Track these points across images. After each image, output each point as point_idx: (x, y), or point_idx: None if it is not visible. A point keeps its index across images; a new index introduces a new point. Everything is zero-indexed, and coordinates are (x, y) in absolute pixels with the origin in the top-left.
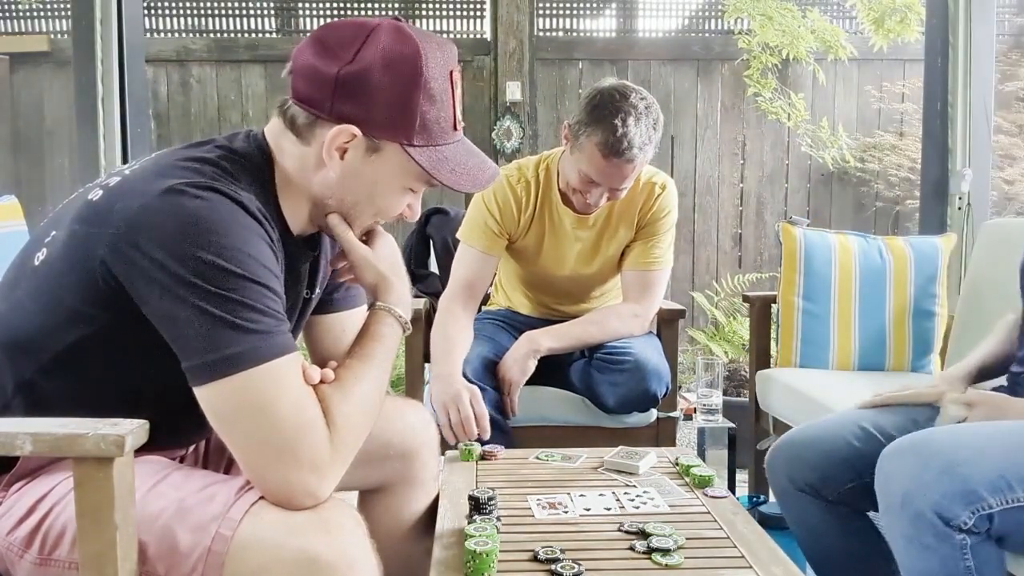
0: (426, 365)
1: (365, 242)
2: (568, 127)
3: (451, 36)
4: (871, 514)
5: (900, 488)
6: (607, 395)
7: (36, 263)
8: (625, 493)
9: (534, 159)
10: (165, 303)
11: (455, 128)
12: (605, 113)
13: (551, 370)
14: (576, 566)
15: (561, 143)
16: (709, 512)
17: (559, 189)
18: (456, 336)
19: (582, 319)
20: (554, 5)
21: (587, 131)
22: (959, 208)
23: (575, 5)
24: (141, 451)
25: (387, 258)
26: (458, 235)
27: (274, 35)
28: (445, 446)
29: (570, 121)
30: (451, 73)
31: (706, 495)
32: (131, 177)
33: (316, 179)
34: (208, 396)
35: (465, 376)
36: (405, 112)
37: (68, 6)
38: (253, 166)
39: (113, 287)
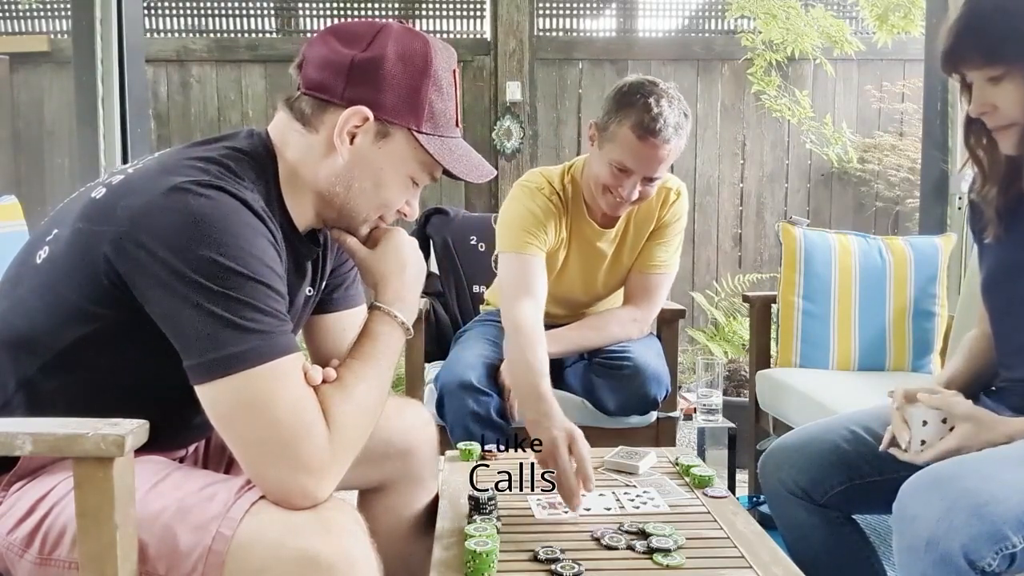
0: (426, 365)
1: (369, 243)
2: (594, 125)
3: (451, 36)
4: (859, 517)
5: (925, 531)
6: (607, 399)
7: (38, 261)
8: (625, 493)
9: (556, 170)
10: (168, 301)
11: (456, 125)
12: (637, 97)
13: (551, 372)
14: (576, 566)
15: (559, 142)
16: (709, 512)
17: (584, 202)
18: (535, 360)
19: (582, 323)
20: (554, 5)
21: (618, 118)
22: (959, 208)
23: (575, 5)
24: (141, 451)
25: (388, 256)
26: (499, 249)
27: (274, 35)
28: (444, 445)
29: (596, 120)
30: (453, 72)
31: (706, 495)
32: (135, 175)
33: (323, 168)
34: (209, 395)
35: (470, 382)
36: (415, 98)
37: (68, 6)
38: (257, 164)
39: (116, 284)
